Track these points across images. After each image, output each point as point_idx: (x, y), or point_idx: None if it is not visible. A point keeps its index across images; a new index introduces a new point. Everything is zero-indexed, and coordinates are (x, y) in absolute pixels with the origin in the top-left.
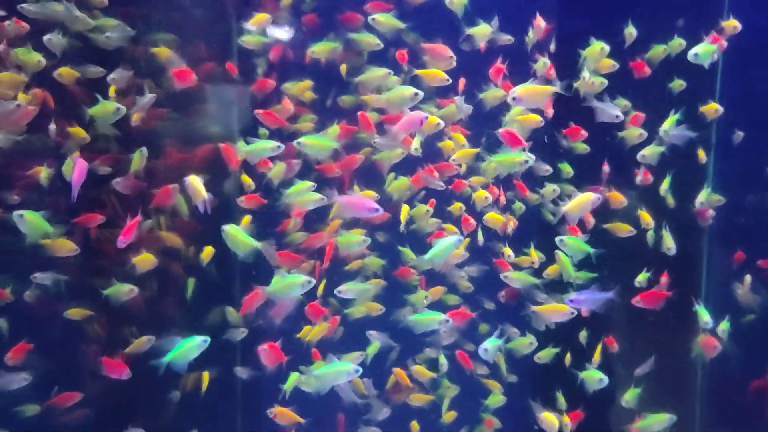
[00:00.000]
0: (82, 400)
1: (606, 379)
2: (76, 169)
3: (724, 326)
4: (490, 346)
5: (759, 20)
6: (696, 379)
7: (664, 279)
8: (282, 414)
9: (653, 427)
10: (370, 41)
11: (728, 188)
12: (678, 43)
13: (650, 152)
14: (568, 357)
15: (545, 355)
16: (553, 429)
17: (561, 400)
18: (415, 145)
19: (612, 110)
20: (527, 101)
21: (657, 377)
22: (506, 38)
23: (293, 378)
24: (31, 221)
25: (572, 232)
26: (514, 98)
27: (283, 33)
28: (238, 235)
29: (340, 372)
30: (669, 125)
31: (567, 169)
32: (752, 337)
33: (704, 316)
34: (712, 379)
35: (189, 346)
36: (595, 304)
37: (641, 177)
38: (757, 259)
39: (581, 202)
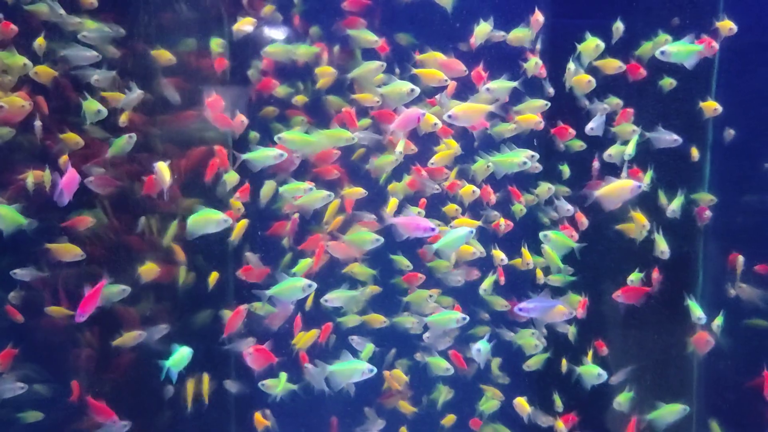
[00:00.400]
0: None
1: (605, 375)
2: (66, 176)
3: (717, 322)
4: (482, 346)
5: (756, 18)
6: (692, 377)
7: (656, 275)
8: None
9: (666, 418)
10: (368, 38)
11: (725, 188)
12: (664, 39)
13: (615, 151)
14: (564, 363)
15: (534, 362)
16: (524, 413)
17: (558, 402)
18: (399, 148)
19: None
20: (463, 119)
21: (653, 376)
22: (499, 35)
23: (283, 380)
24: (4, 215)
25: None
26: (449, 116)
27: (273, 34)
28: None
29: (354, 370)
30: (632, 149)
31: (566, 170)
32: (750, 335)
33: (696, 311)
34: (709, 378)
35: (182, 355)
36: (544, 312)
37: (625, 175)
38: (754, 259)
39: (618, 188)
